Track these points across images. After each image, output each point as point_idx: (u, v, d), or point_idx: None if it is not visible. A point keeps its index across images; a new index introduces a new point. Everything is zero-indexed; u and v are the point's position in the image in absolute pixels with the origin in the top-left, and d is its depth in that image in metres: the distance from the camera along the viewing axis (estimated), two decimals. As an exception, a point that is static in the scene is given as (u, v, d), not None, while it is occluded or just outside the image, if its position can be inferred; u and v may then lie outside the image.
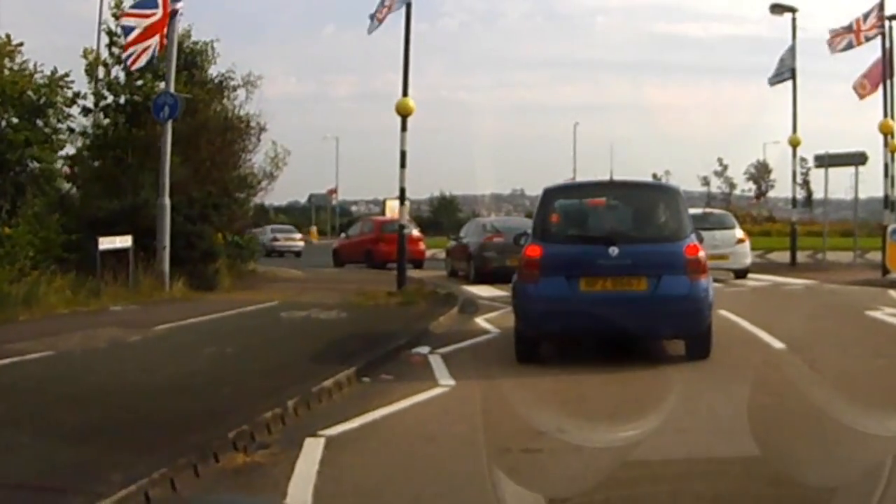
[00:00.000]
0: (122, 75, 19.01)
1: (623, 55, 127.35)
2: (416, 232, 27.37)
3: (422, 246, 27.30)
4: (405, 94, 17.01)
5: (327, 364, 8.28)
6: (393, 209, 63.70)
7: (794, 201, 27.07)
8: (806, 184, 65.36)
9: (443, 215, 68.09)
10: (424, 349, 9.82)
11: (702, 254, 8.93)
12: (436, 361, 9.09)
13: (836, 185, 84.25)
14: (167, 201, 15.84)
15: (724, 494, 4.70)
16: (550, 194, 9.57)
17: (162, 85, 17.90)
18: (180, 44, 21.96)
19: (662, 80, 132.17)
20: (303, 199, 77.08)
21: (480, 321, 12.60)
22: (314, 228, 66.55)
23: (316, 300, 14.91)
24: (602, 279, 8.65)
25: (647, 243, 8.94)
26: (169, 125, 16.08)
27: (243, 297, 15.35)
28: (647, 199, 9.77)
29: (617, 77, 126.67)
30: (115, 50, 19.12)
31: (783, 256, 27.59)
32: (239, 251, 21.69)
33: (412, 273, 23.95)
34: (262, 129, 21.14)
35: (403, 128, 17.03)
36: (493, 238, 20.31)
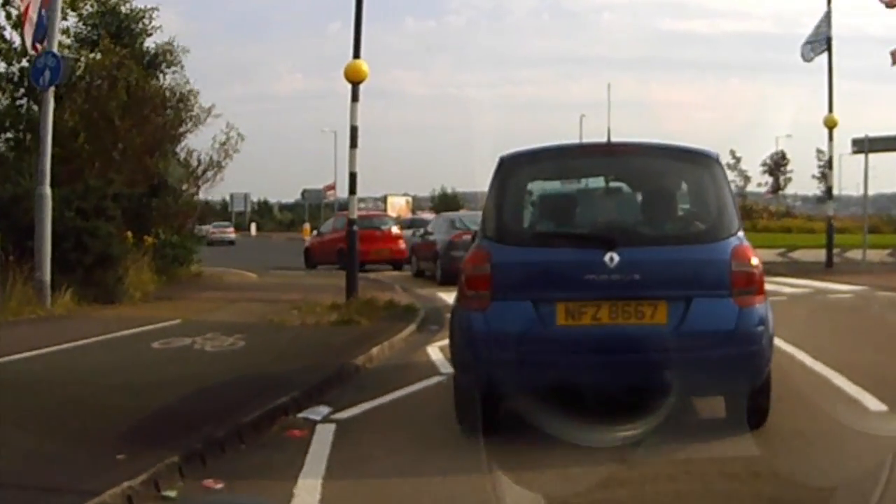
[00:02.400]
0: (18, 40, 15.55)
1: (629, 52, 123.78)
2: (395, 229, 24.72)
3: (402, 245, 24.18)
4: (356, 55, 13.49)
5: (127, 454, 4.78)
6: (394, 205, 60.93)
7: (829, 191, 23.42)
8: (824, 177, 61.97)
9: (444, 212, 65.21)
10: (319, 412, 6.32)
11: (757, 261, 5.53)
12: (322, 441, 5.59)
13: (847, 181, 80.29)
14: (47, 191, 12.30)
15: None
16: (510, 167, 5.88)
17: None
18: (114, 7, 18.83)
19: (669, 76, 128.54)
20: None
21: (432, 351, 9.09)
22: (307, 226, 63.46)
23: (228, 318, 11.45)
24: (593, 305, 5.30)
25: (667, 245, 5.60)
26: (51, 94, 12.59)
27: (141, 314, 11.87)
28: (666, 174, 6.11)
29: (623, 74, 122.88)
30: (12, 10, 15.71)
31: (808, 255, 24.63)
32: (174, 252, 18.23)
33: (384, 275, 20.81)
34: (189, 104, 17.69)
35: (354, 97, 13.50)
36: (463, 235, 18.01)
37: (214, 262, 26.79)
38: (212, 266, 23.51)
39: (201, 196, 22.27)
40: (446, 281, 16.98)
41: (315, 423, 6.06)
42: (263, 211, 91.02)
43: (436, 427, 5.95)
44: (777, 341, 8.91)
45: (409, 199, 72.23)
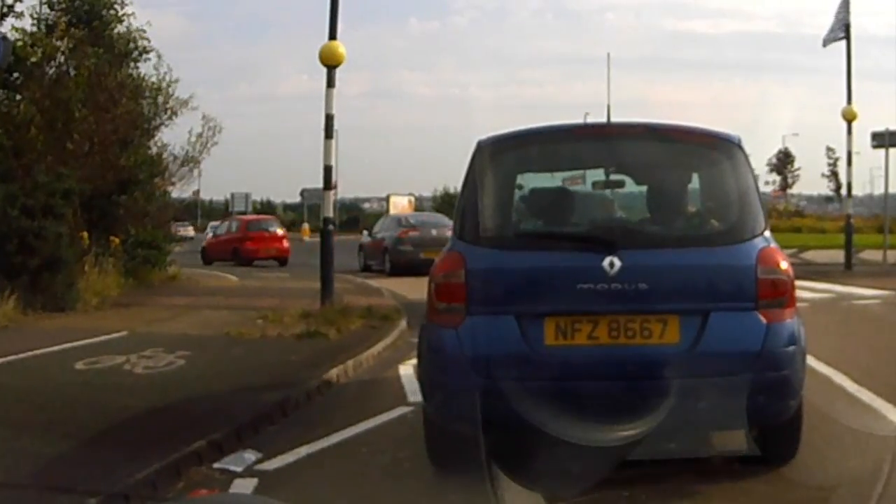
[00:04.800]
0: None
1: (632, 52, 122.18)
2: (280, 231, 28.24)
3: (286, 244, 27.51)
4: (332, 37, 12.20)
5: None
6: (397, 205, 60.05)
7: (848, 188, 21.93)
8: (834, 175, 60.58)
9: (447, 211, 64.31)
10: (243, 460, 5.03)
11: (787, 265, 4.67)
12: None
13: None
14: (-14, 186, 11.09)
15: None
16: (489, 154, 4.92)
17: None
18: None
19: (672, 76, 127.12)
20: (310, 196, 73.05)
21: (405, 371, 7.77)
22: (306, 226, 62.43)
23: (181, 329, 10.15)
24: (589, 321, 4.44)
25: (678, 247, 4.70)
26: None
27: (88, 325, 10.56)
28: (678, 162, 5.15)
29: (627, 74, 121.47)
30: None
31: (822, 256, 23.64)
32: (145, 253, 16.95)
33: (373, 280, 19.59)
34: (165, 95, 16.46)
35: (330, 83, 12.24)
36: (409, 232, 21.27)
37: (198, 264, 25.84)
38: (194, 268, 22.39)
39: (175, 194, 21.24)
40: (394, 272, 20.08)
41: (234, 475, 4.76)
42: (267, 211, 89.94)
43: (388, 484, 4.66)
44: (810, 360, 7.69)
45: (413, 198, 71.28)
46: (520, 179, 5.32)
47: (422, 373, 4.97)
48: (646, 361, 4.38)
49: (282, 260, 26.51)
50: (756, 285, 4.49)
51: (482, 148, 4.94)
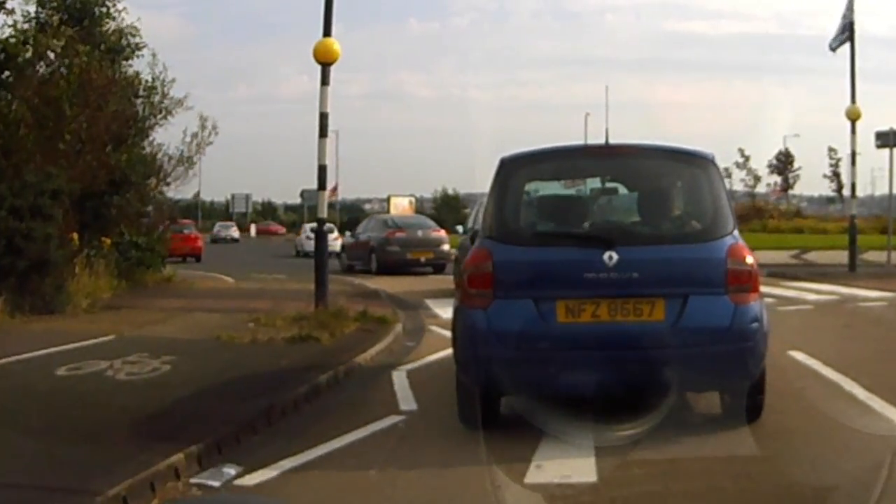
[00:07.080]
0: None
1: (632, 53, 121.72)
2: (194, 233, 33.19)
3: (199, 243, 32.32)
4: (327, 34, 11.93)
5: None
6: (398, 206, 59.78)
7: (852, 188, 21.58)
8: (836, 176, 60.28)
9: (446, 212, 64.47)
10: (223, 474, 4.76)
11: (752, 259, 5.65)
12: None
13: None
14: (-30, 186, 10.83)
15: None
16: (511, 168, 5.97)
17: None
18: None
19: (673, 77, 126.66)
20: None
21: (398, 378, 7.52)
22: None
23: (171, 333, 9.89)
24: (592, 303, 5.44)
25: (664, 244, 5.72)
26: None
27: (76, 328, 10.29)
28: (663, 175, 6.20)
29: (627, 75, 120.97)
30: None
31: (824, 257, 23.61)
32: (139, 254, 16.71)
33: (371, 282, 19.38)
34: (163, 97, 16.20)
35: (324, 81, 11.96)
36: (396, 233, 21.87)
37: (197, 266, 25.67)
38: (192, 270, 22.22)
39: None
40: (381, 272, 20.82)
41: (212, 491, 4.50)
42: (267, 212, 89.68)
43: (377, 499, 4.38)
44: (817, 365, 7.54)
45: (413, 199, 71.24)
46: (536, 188, 6.32)
47: (455, 346, 5.80)
48: (638, 335, 5.31)
49: (196, 257, 31.14)
50: (726, 275, 5.43)
51: (505, 163, 5.92)
